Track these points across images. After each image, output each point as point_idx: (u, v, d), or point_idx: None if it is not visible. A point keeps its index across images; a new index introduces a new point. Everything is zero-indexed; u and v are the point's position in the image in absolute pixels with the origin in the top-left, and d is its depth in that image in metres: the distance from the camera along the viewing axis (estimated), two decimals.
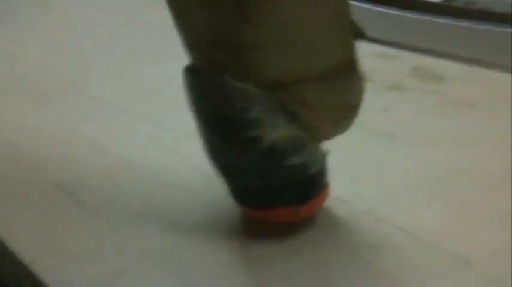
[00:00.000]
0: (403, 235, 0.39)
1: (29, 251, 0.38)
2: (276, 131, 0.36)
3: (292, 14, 0.34)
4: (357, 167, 0.47)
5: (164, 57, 0.64)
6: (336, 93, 0.37)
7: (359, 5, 0.74)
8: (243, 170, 0.37)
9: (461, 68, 0.67)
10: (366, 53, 0.72)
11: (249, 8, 0.33)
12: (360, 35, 0.38)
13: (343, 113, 0.38)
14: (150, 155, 0.49)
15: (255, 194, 0.38)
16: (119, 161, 0.49)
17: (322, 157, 0.39)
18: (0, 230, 0.40)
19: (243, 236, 0.39)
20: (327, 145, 0.51)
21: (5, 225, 0.41)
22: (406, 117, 0.57)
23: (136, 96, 0.60)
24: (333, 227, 0.40)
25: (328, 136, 0.39)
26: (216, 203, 0.41)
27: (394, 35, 0.73)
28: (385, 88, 0.63)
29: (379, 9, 0.73)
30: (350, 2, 0.36)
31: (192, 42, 0.36)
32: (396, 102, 0.60)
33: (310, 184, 0.38)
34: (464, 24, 0.67)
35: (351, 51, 0.37)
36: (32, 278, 0.36)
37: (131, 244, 0.39)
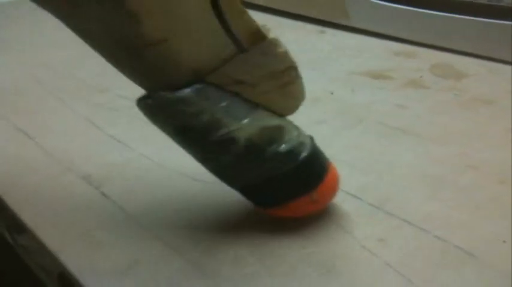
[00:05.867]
0: (410, 228, 0.40)
1: (56, 239, 0.41)
2: (246, 127, 0.36)
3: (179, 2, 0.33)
4: (367, 162, 0.49)
5: None
6: (260, 63, 0.36)
7: (378, 2, 0.75)
8: (234, 171, 0.37)
9: (482, 65, 0.68)
10: (385, 50, 0.73)
11: (130, 5, 0.32)
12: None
13: (281, 80, 0.37)
14: (172, 152, 0.52)
15: (259, 192, 0.38)
16: (141, 157, 0.52)
17: (308, 140, 0.39)
18: (28, 219, 0.44)
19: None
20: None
21: (34, 214, 0.44)
22: (422, 113, 0.58)
23: None
24: (341, 220, 0.41)
25: (287, 108, 0.39)
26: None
27: (413, 33, 0.73)
28: (404, 85, 0.64)
29: (398, 6, 0.73)
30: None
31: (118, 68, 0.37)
32: (414, 98, 0.61)
33: (309, 167, 0.38)
34: (486, 21, 0.66)
35: (251, 21, 0.36)
36: (58, 266, 0.39)
37: (149, 234, 0.41)
